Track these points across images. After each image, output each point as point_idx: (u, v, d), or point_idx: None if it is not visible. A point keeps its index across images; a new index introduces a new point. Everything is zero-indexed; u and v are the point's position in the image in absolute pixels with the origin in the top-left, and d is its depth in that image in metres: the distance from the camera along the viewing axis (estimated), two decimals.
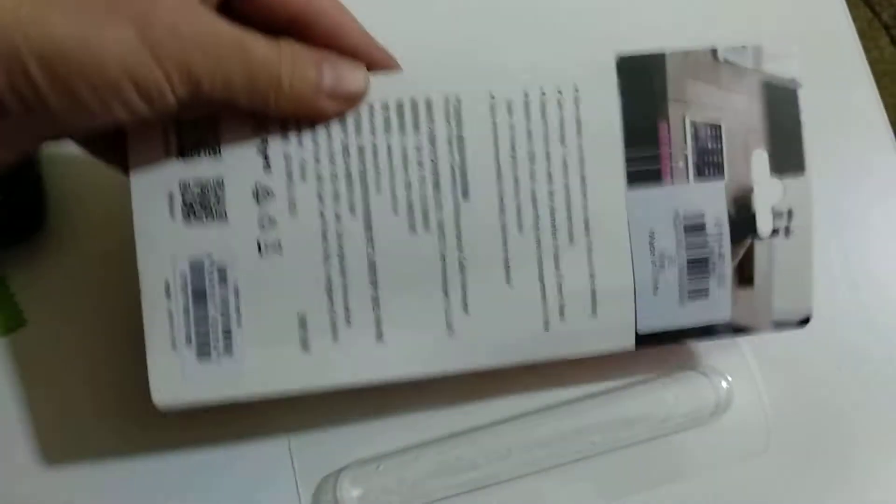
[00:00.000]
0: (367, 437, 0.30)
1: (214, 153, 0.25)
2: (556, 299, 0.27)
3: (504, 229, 0.27)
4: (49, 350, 0.30)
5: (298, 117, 0.25)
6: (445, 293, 0.27)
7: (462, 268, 0.27)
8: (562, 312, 0.27)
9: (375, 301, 0.26)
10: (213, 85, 0.22)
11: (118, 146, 0.26)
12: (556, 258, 0.27)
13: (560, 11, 0.36)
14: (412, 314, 0.26)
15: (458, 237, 0.26)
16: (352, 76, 0.25)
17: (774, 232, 0.28)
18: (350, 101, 0.26)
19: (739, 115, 0.27)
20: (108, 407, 0.30)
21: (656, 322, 0.28)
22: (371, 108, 0.26)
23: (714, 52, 0.27)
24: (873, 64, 0.35)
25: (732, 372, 0.32)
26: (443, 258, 0.26)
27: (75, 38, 0.19)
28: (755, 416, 0.32)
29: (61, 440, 0.30)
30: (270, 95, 0.23)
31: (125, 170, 0.25)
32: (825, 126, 0.34)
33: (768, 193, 0.28)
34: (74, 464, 0.30)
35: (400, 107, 0.26)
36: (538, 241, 0.27)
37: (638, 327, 0.27)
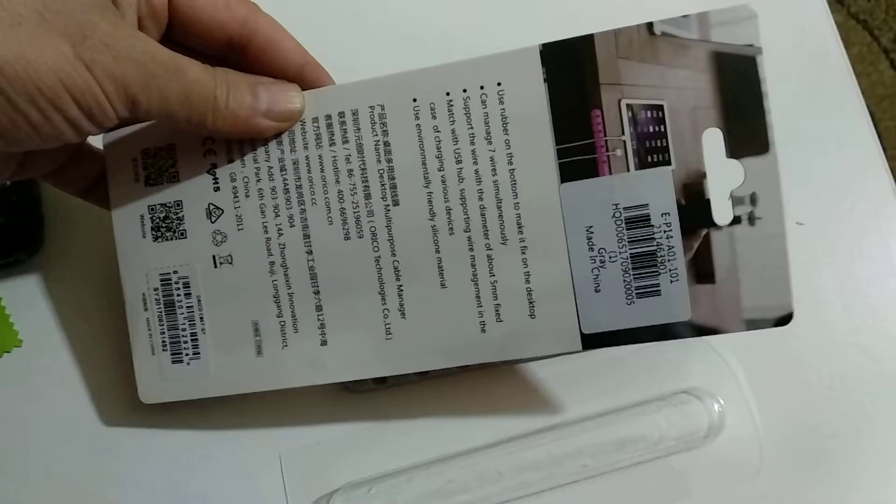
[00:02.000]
0: (359, 459, 0.31)
1: (174, 178, 0.28)
2: (491, 301, 0.26)
3: (435, 233, 0.27)
4: (43, 370, 0.32)
5: (239, 137, 0.27)
6: (382, 299, 0.27)
7: (397, 273, 0.27)
8: (497, 314, 0.26)
9: (319, 309, 0.28)
10: (149, 101, 0.23)
11: (91, 181, 0.29)
12: (490, 259, 0.26)
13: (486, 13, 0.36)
14: (353, 320, 0.27)
15: (391, 243, 0.27)
16: (285, 97, 0.27)
17: (735, 220, 0.25)
18: (286, 119, 0.27)
19: (685, 93, 0.25)
20: (101, 426, 0.31)
21: (603, 322, 0.26)
22: (303, 123, 0.27)
23: (650, 26, 0.25)
24: (872, 88, 0.31)
25: (725, 395, 0.31)
26: (378, 264, 0.27)
27: (12, 50, 0.20)
28: (748, 439, 0.31)
29: (56, 457, 0.31)
30: (208, 116, 0.25)
31: (98, 202, 0.29)
32: (818, 149, 0.35)
33: (725, 177, 0.25)
34: (71, 477, 0.31)
35: (329, 120, 0.27)
36: (470, 243, 0.26)
37: (582, 328, 0.26)
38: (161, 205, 0.28)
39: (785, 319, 0.25)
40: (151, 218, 0.28)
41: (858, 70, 0.34)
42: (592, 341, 0.26)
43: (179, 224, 0.28)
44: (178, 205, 0.28)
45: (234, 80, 0.26)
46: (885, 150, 0.35)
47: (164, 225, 0.28)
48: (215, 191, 0.28)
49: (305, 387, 0.28)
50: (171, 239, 0.28)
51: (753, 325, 0.25)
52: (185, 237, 0.28)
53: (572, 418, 0.31)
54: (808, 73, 0.35)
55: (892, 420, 0.32)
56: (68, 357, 0.32)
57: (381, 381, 0.31)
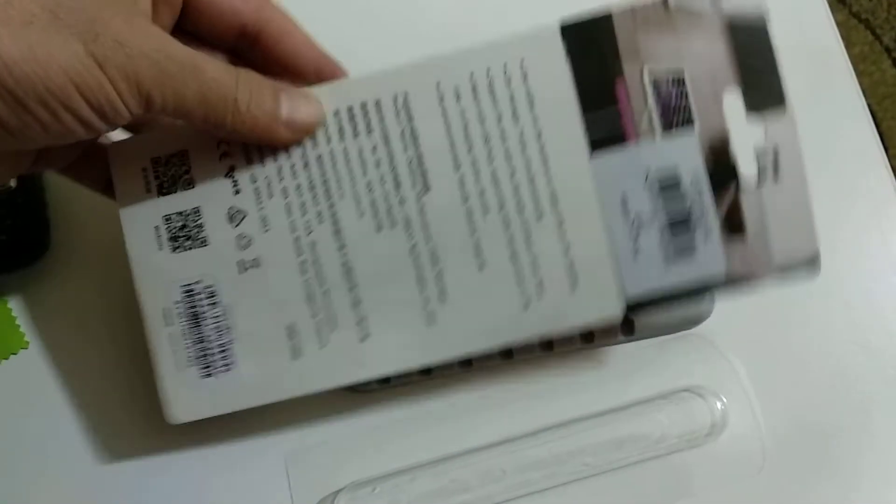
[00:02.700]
0: (363, 459, 0.31)
1: (189, 185, 0.27)
2: (532, 278, 0.27)
3: (469, 216, 0.27)
4: (49, 372, 0.32)
5: (254, 142, 0.26)
6: (422, 286, 0.27)
7: (434, 259, 0.27)
8: (539, 290, 0.27)
9: (356, 303, 0.27)
10: (164, 100, 0.23)
11: (102, 172, 0.28)
12: (527, 237, 0.27)
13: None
14: (393, 311, 0.27)
15: (426, 230, 0.27)
16: (306, 108, 0.26)
17: (760, 175, 0.26)
18: (304, 132, 0.26)
19: (702, 58, 0.26)
20: (106, 428, 0.31)
21: (644, 286, 0.26)
22: None
23: (665, 2, 0.26)
24: (875, 87, 0.34)
25: (727, 393, 0.32)
26: (414, 253, 0.27)
27: (22, 51, 0.20)
28: (750, 437, 0.32)
29: (60, 460, 0.31)
30: (227, 118, 0.24)
31: (110, 194, 0.28)
32: (819, 147, 0.34)
33: (747, 136, 0.26)
34: (72, 477, 0.31)
35: (351, 112, 0.27)
36: (506, 223, 0.27)
37: (623, 293, 0.27)
38: (177, 213, 0.27)
39: (813, 261, 0.26)
40: (168, 228, 0.27)
41: (860, 69, 0.36)
42: (636, 306, 0.27)
43: (199, 232, 0.27)
44: (195, 212, 0.27)
45: (258, 83, 0.25)
46: (886, 149, 0.36)
47: (181, 234, 0.27)
48: (235, 194, 0.27)
49: None
50: (191, 248, 0.27)
51: (786, 270, 0.26)
52: (207, 244, 0.27)
53: (575, 417, 0.31)
54: (809, 73, 0.36)
55: (893, 418, 0.33)
56: (74, 359, 0.32)
57: (384, 381, 0.31)
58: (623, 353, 0.32)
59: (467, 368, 0.31)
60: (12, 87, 0.20)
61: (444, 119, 0.26)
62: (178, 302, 0.27)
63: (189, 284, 0.27)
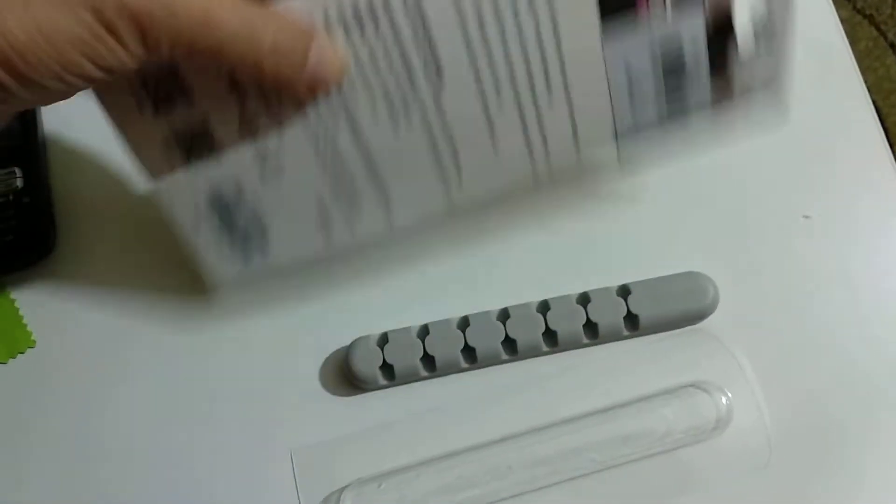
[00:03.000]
0: (369, 456, 0.31)
1: (188, 97, 0.25)
2: (543, 153, 0.29)
3: (484, 103, 0.27)
4: (55, 370, 0.32)
5: (266, 87, 0.25)
6: (442, 173, 0.28)
7: (453, 150, 0.28)
8: (548, 163, 0.29)
9: (381, 193, 0.29)
10: (173, 55, 0.22)
11: None
12: (538, 115, 0.28)
13: None
14: (415, 197, 0.29)
15: (443, 125, 0.27)
16: (332, 64, 0.25)
17: (756, 41, 0.27)
18: (323, 88, 0.25)
19: None
20: (111, 425, 0.31)
21: (636, 148, 0.29)
22: (327, 17, 0.25)
23: None
24: (880, 83, 0.33)
25: (732, 387, 0.32)
26: (433, 146, 0.28)
27: (29, 33, 0.20)
28: (756, 432, 0.31)
29: (65, 457, 0.31)
30: (246, 65, 0.23)
31: None
32: (823, 141, 0.35)
33: (749, 12, 0.27)
34: (80, 478, 0.31)
35: (357, 14, 0.25)
36: (519, 107, 0.27)
37: (619, 153, 0.29)
38: (184, 128, 0.26)
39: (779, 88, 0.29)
40: (177, 143, 0.26)
41: (865, 65, 0.35)
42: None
43: (212, 142, 0.26)
44: (203, 123, 0.26)
45: (290, 33, 0.24)
46: (891, 145, 0.36)
47: (194, 147, 0.26)
48: (241, 101, 0.26)
49: (314, 386, 0.32)
50: (207, 159, 0.27)
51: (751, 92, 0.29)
52: (222, 153, 0.27)
53: (580, 413, 0.31)
54: (813, 69, 0.35)
55: None
56: (81, 357, 0.32)
57: (390, 378, 0.31)
58: (628, 348, 0.32)
59: (473, 365, 0.32)
60: (26, 72, 0.21)
61: (457, 7, 0.25)
62: (207, 206, 0.28)
63: (214, 191, 0.27)
